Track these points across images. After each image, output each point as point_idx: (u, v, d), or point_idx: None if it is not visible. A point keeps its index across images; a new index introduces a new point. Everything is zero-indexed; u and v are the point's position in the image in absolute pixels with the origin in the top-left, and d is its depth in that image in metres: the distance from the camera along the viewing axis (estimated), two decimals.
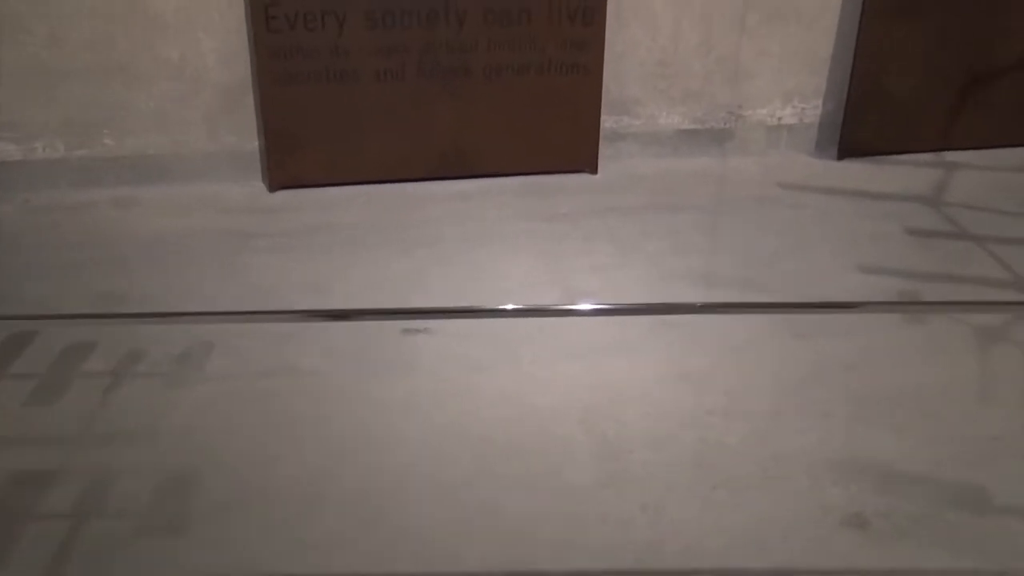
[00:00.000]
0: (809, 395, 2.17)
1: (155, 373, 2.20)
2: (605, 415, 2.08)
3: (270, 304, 2.51)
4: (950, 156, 3.79)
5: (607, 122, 3.62)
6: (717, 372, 2.26)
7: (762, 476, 1.90)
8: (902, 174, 3.61)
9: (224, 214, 3.13)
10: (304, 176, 3.33)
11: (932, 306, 2.34)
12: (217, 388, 2.16)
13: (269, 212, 3.17)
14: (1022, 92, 3.76)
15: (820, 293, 2.65)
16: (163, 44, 3.16)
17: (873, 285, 2.71)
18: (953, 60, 3.68)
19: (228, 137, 3.32)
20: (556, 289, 2.66)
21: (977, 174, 3.63)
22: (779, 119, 3.77)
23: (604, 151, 3.65)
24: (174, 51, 3.18)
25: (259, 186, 3.35)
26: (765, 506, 1.82)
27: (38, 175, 3.25)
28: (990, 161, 3.71)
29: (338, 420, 2.07)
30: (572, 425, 2.05)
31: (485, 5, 3.21)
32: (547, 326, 2.45)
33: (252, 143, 3.34)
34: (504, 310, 2.40)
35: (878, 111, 3.69)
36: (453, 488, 1.85)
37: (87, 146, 3.26)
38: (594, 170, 3.55)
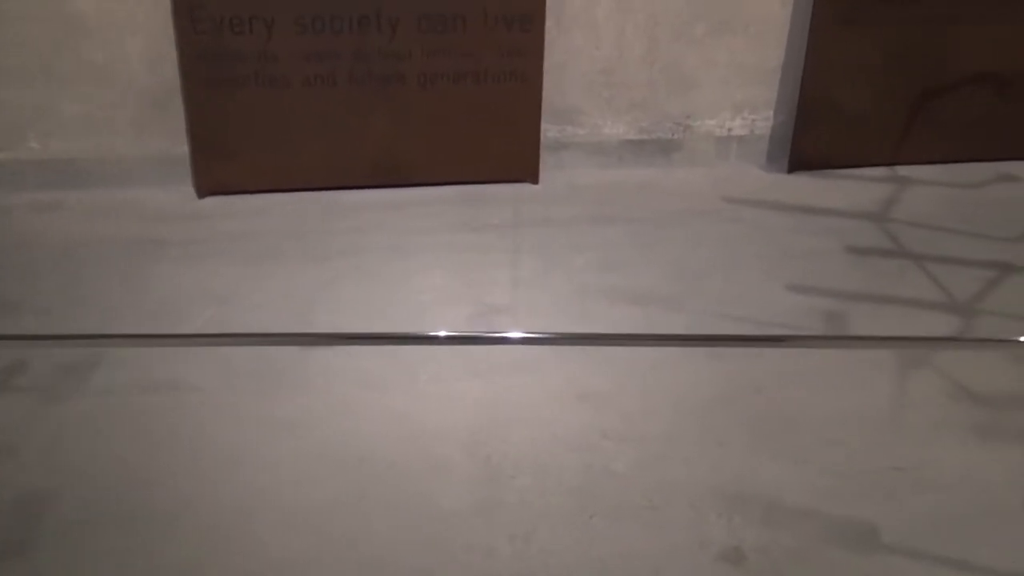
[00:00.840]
0: (710, 420, 2.09)
1: (33, 387, 2.12)
2: (493, 437, 2.00)
3: (168, 317, 2.44)
4: (904, 171, 3.70)
5: (549, 131, 3.54)
6: (619, 394, 2.17)
7: (644, 505, 1.82)
8: (851, 189, 3.53)
9: (145, 221, 3.06)
10: (234, 182, 3.26)
11: (848, 340, 2.23)
12: (96, 404, 2.08)
13: (193, 219, 3.10)
14: (976, 106, 3.68)
15: (744, 312, 2.57)
16: (87, 46, 3.10)
17: (800, 305, 2.63)
18: (906, 73, 3.59)
19: (157, 141, 3.26)
20: (469, 305, 2.58)
21: (928, 190, 3.54)
22: (729, 130, 3.69)
23: (547, 161, 3.58)
24: (98, 53, 3.11)
25: (189, 192, 3.28)
26: (642, 537, 1.74)
27: None
28: (943, 177, 3.62)
29: (216, 440, 1.99)
30: (456, 447, 1.97)
31: (418, 11, 3.14)
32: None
33: (182, 148, 3.26)
34: (396, 336, 2.30)
35: (829, 124, 3.61)
36: (317, 513, 1.77)
37: (10, 149, 3.19)
38: (535, 180, 3.47)
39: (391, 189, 3.36)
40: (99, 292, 2.57)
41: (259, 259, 2.82)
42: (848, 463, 1.95)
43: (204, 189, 3.25)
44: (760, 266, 2.86)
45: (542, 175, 3.55)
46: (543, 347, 2.34)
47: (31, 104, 3.14)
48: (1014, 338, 1.15)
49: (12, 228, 2.98)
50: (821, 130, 3.61)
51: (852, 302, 2.65)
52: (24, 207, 3.13)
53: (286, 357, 2.29)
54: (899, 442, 2.04)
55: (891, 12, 3.48)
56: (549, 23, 3.33)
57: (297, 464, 1.90)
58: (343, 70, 3.17)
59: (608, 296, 2.65)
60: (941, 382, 2.27)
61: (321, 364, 2.27)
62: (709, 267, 2.85)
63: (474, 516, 1.78)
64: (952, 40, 3.56)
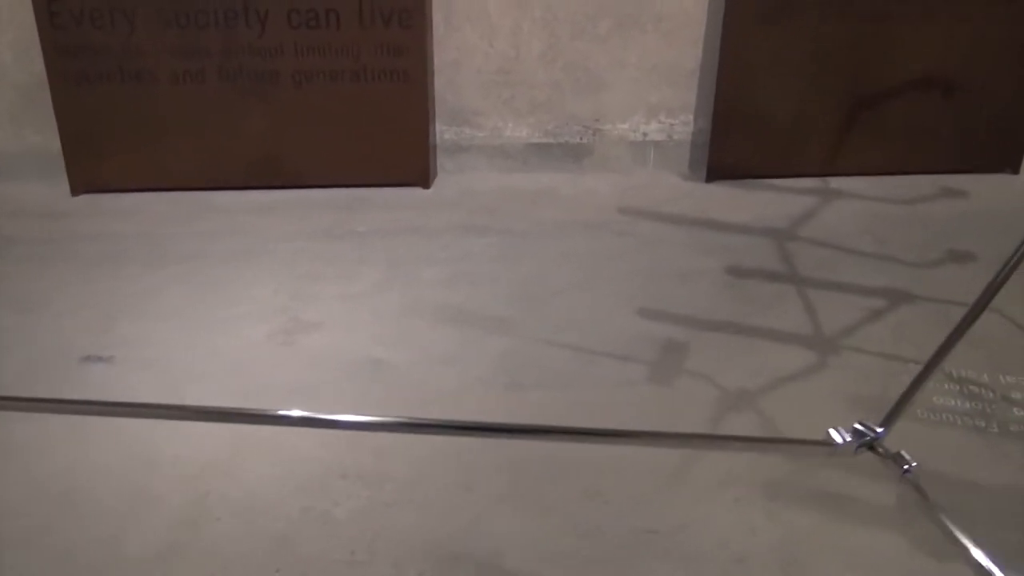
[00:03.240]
0: (467, 459, 1.89)
1: None
2: (224, 472, 1.85)
3: None
4: (836, 183, 3.40)
5: (446, 133, 3.36)
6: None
7: (344, 560, 1.64)
8: (769, 201, 3.25)
9: (6, 217, 3.01)
10: (107, 180, 3.18)
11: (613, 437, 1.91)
12: None
13: (53, 217, 3.03)
14: (920, 113, 3.34)
15: (574, 339, 2.35)
16: None
17: (642, 333, 2.39)
18: (839, 75, 3.29)
19: (33, 136, 3.20)
20: (280, 320, 2.43)
21: (853, 205, 3.24)
22: (644, 135, 3.44)
23: (445, 164, 3.41)
24: None
25: (66, 188, 3.22)
26: None
27: None
28: (877, 190, 3.31)
29: None
30: (176, 482, 1.82)
31: (288, 6, 3.00)
32: (232, 360, 2.23)
33: (57, 143, 3.20)
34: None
35: (751, 130, 3.33)
36: None
37: None
38: (425, 184, 3.30)
39: (273, 191, 3.24)
40: None
41: (96, 262, 2.73)
42: (596, 522, 1.74)
43: (78, 186, 3.18)
44: (622, 286, 2.63)
45: (440, 179, 3.38)
46: (327, 370, 2.18)
47: None
48: (826, 440, 0.96)
49: None
50: (741, 137, 3.33)
51: (702, 331, 2.40)
52: None
53: (60, 370, 2.19)
54: (669, 502, 1.81)
55: (818, 8, 3.18)
56: (437, 18, 3.15)
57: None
58: (212, 67, 3.05)
59: (436, 315, 2.46)
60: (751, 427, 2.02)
61: (92, 381, 2.15)
62: (565, 286, 2.64)
63: (154, 562, 1.63)
64: (892, 39, 3.24)
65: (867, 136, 3.38)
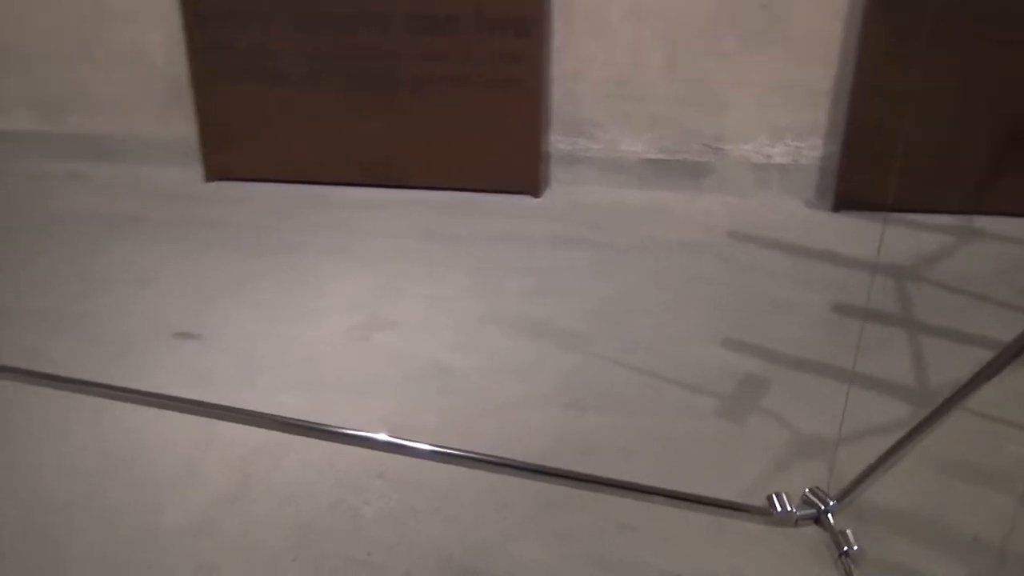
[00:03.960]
0: (500, 482, 1.85)
1: None
2: (272, 457, 1.90)
3: (77, 286, 2.56)
4: (982, 222, 3.10)
5: (561, 143, 3.33)
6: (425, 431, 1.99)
7: (359, 559, 1.64)
8: (899, 236, 3.00)
9: (141, 198, 3.24)
10: (237, 169, 3.37)
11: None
12: None
13: (181, 201, 3.23)
14: None
15: (647, 363, 2.26)
16: (118, 34, 3.33)
17: (723, 363, 2.27)
18: (987, 106, 3.00)
19: (177, 126, 3.43)
20: (360, 316, 2.47)
21: (998, 247, 2.94)
22: (768, 157, 3.27)
23: (559, 174, 3.38)
24: (127, 41, 3.34)
25: (200, 175, 3.43)
26: None
27: (13, 145, 3.54)
28: None
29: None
30: (226, 462, 1.89)
31: (409, 12, 3.06)
32: (307, 351, 2.30)
33: (196, 133, 3.42)
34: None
35: (885, 159, 3.07)
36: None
37: (54, 123, 3.51)
38: (535, 193, 3.28)
39: (385, 189, 3.32)
40: (42, 261, 2.76)
41: (209, 245, 2.89)
42: (626, 558, 1.65)
43: (211, 174, 3.39)
44: (711, 313, 2.51)
45: (552, 189, 3.35)
46: (398, 373, 2.20)
47: (71, 83, 3.43)
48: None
49: (32, 193, 3.27)
50: (873, 165, 3.09)
51: (787, 368, 2.24)
52: (55, 176, 3.43)
53: (150, 345, 2.33)
54: (697, 550, 1.69)
55: (968, 30, 2.91)
56: (557, 26, 3.13)
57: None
58: (337, 68, 3.17)
59: (513, 325, 2.44)
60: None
61: (174, 357, 2.28)
62: (651, 306, 2.54)
63: (187, 535, 1.70)
64: None
65: (1021, 173, 3.06)
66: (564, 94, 3.24)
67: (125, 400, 1.51)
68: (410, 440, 1.15)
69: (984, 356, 2.29)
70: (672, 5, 3.07)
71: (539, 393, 2.14)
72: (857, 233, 3.05)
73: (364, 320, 2.45)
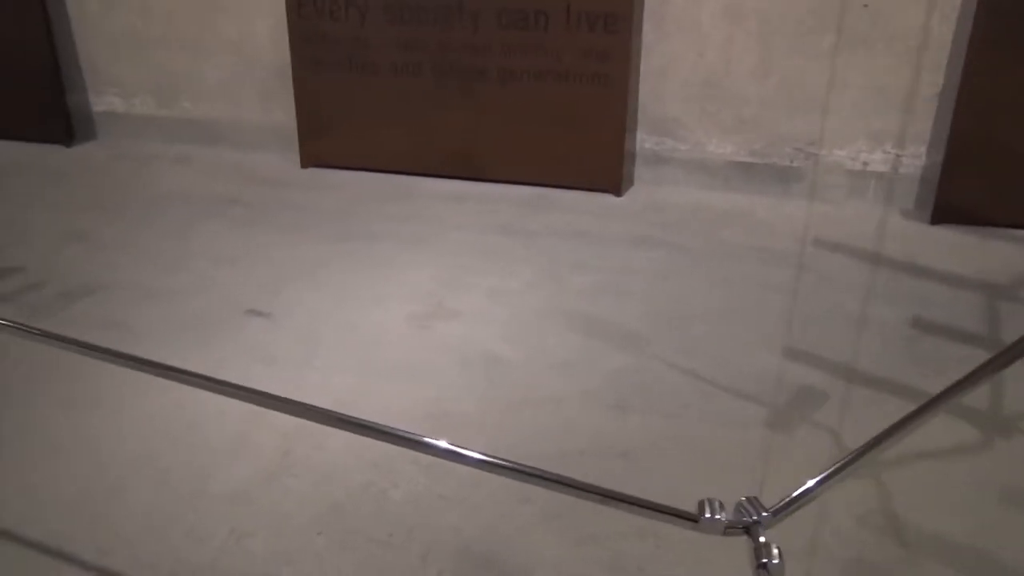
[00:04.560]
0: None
1: None
2: (314, 435, 1.97)
3: (167, 262, 2.72)
4: None
5: (647, 142, 3.29)
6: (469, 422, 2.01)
7: (380, 540, 1.68)
8: (999, 252, 2.82)
9: (240, 182, 3.41)
10: (329, 157, 3.50)
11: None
12: None
13: (278, 186, 3.38)
14: None
15: (704, 368, 2.21)
16: (225, 22, 3.51)
17: (781, 373, 2.19)
18: None
19: (278, 113, 3.59)
20: (423, 305, 2.52)
21: None
22: (864, 164, 3.13)
23: (643, 174, 3.34)
24: (234, 30, 3.51)
25: (297, 162, 3.58)
26: (346, 568, 1.62)
27: (134, 127, 3.80)
28: None
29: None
30: (273, 437, 1.97)
31: (499, 6, 3.09)
32: (369, 335, 2.36)
33: (295, 121, 3.57)
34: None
35: (991, 171, 2.90)
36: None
37: (169, 107, 3.73)
38: (617, 192, 3.25)
39: (469, 182, 3.37)
40: (141, 238, 2.95)
41: (294, 228, 3.01)
42: (644, 565, 1.63)
43: (306, 161, 3.53)
44: (778, 322, 2.43)
45: (635, 188, 3.32)
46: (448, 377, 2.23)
47: (184, 70, 3.64)
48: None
49: (142, 173, 3.50)
50: (978, 177, 2.92)
51: (851, 383, 2.15)
52: (166, 158, 3.65)
53: (224, 318, 2.45)
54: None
55: None
56: (647, 25, 3.09)
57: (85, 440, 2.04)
58: (427, 61, 3.24)
59: (571, 322, 2.43)
60: None
61: (244, 334, 2.39)
62: (714, 311, 2.48)
63: (226, 503, 1.78)
64: None
65: None
66: (651, 93, 3.20)
67: (176, 380, 1.61)
68: (429, 437, 1.17)
69: None
70: (767, 4, 2.97)
71: (584, 390, 2.13)
72: (954, 247, 2.88)
73: (428, 309, 2.50)
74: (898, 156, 3.09)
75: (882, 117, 3.04)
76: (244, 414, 2.05)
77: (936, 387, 2.11)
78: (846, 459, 1.05)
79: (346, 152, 3.46)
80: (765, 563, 0.80)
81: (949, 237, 2.95)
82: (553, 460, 1.89)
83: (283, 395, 2.05)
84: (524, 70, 3.16)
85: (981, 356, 2.26)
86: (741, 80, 3.10)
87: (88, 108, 3.80)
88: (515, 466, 1.10)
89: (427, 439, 1.17)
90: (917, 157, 3.07)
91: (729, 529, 0.85)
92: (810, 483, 1.03)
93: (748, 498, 0.90)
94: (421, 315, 2.47)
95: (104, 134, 3.83)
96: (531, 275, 2.71)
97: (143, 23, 3.58)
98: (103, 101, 3.78)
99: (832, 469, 1.03)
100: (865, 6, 2.90)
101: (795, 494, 1.01)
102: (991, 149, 2.88)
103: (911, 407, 2.06)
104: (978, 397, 2.10)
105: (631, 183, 3.33)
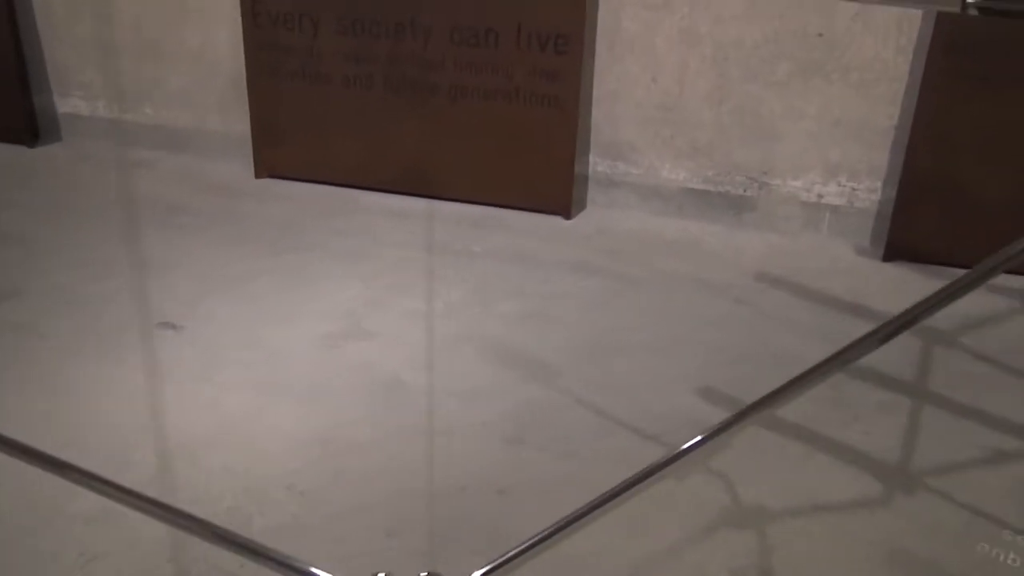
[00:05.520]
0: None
1: None
2: (191, 452, 1.93)
3: (98, 269, 2.70)
4: None
5: (600, 166, 3.23)
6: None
7: (230, 570, 1.63)
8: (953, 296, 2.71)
9: (194, 189, 3.39)
10: (284, 168, 3.46)
11: None
12: None
13: (228, 196, 3.35)
14: None
15: (612, 405, 2.13)
16: (187, 30, 3.50)
17: (692, 413, 2.11)
18: None
19: (237, 123, 3.57)
20: (342, 323, 2.47)
21: None
22: (820, 196, 3.04)
23: (597, 198, 3.27)
24: (195, 38, 3.50)
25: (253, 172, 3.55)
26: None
27: (98, 130, 3.79)
28: None
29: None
30: (151, 452, 1.93)
31: (451, 22, 3.05)
32: (275, 353, 2.32)
33: None
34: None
35: (949, 208, 2.81)
36: None
37: (133, 112, 3.73)
38: (566, 215, 3.19)
39: (418, 198, 3.32)
40: (82, 242, 2.93)
41: (231, 240, 2.97)
42: None
43: (261, 171, 3.50)
44: (700, 359, 2.35)
45: (587, 212, 3.26)
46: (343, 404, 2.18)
47: (148, 76, 3.63)
48: None
49: (100, 178, 3.49)
50: (935, 214, 2.82)
51: (760, 427, 2.06)
52: (128, 162, 3.64)
53: (131, 331, 2.42)
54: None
55: None
56: (600, 46, 3.04)
57: None
58: (379, 74, 3.20)
59: (487, 349, 2.37)
60: None
61: (148, 346, 2.36)
62: (639, 345, 2.41)
63: (85, 522, 1.74)
64: None
65: None
66: (605, 116, 3.14)
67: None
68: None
69: (991, 440, 2.04)
70: (723, 30, 2.90)
71: (483, 421, 2.07)
72: (902, 287, 2.78)
73: (342, 328, 2.45)
74: (854, 190, 3.00)
75: (837, 149, 2.95)
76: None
77: (850, 434, 2.04)
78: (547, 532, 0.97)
79: (300, 163, 3.43)
80: None
81: (899, 276, 2.86)
82: (431, 496, 1.83)
83: (173, 411, 2.02)
84: (475, 87, 3.11)
85: (902, 405, 2.18)
86: (695, 106, 3.03)
87: (54, 110, 3.80)
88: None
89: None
90: (873, 191, 2.98)
91: None
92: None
93: (429, 572, 0.83)
94: (334, 334, 2.42)
95: (69, 136, 3.83)
96: (458, 298, 2.65)
97: (108, 29, 3.58)
98: (68, 104, 3.79)
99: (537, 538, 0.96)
100: (820, 35, 2.82)
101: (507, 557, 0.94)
102: (945, 186, 2.78)
103: (818, 456, 1.99)
104: (890, 449, 2.01)
105: (584, 206, 3.27)
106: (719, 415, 2.10)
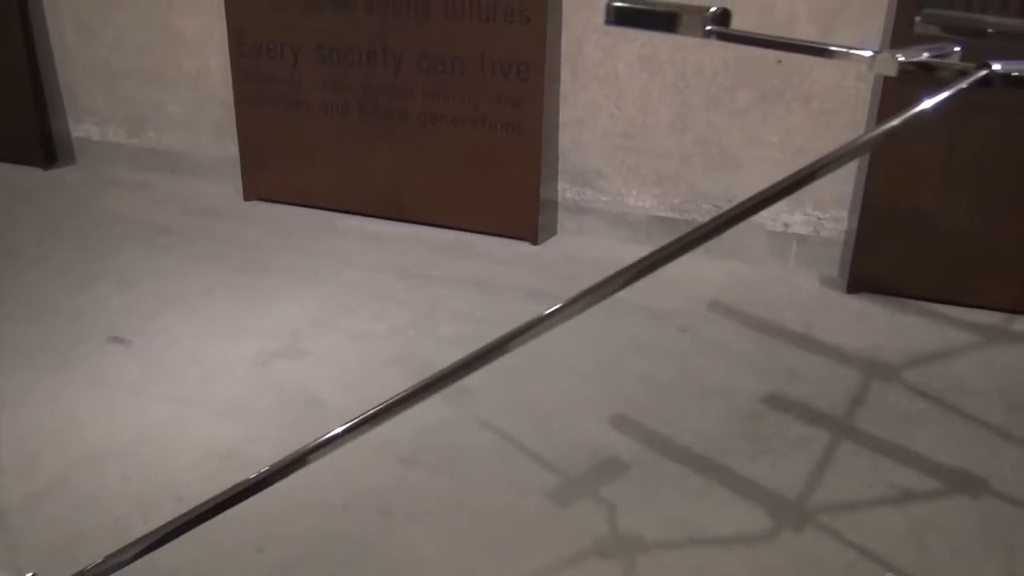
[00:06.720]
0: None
1: None
2: (94, 463, 2.01)
3: (72, 284, 2.85)
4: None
5: (568, 192, 3.24)
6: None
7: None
8: (909, 328, 2.64)
9: (181, 211, 3.53)
10: (270, 191, 3.58)
11: None
12: None
13: (215, 217, 3.47)
14: None
15: (518, 430, 2.14)
16: (184, 58, 3.66)
17: (597, 442, 2.10)
18: None
19: (230, 146, 3.70)
20: (281, 341, 2.54)
21: (1019, 355, 2.49)
22: (786, 226, 2.99)
23: (567, 223, 3.29)
24: (192, 65, 3.66)
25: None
26: None
27: (108, 154, 3.99)
28: None
29: None
30: (54, 460, 2.02)
31: (420, 51, 3.12)
32: (209, 370, 2.39)
33: None
34: None
35: (914, 240, 2.73)
36: None
37: (138, 136, 3.91)
38: (533, 240, 3.20)
39: (390, 222, 3.38)
40: (66, 258, 3.08)
41: (203, 258, 3.09)
42: None
43: (249, 194, 3.62)
44: (623, 388, 2.33)
45: (556, 238, 3.27)
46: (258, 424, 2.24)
47: (150, 101, 3.81)
48: None
49: (100, 199, 3.67)
50: (899, 246, 2.75)
51: (662, 458, 2.04)
52: (127, 184, 3.81)
53: (85, 346, 2.53)
54: None
55: (1016, 99, 2.50)
56: (564, 73, 3.06)
57: None
58: (354, 101, 3.29)
59: (415, 371, 2.38)
60: None
61: (99, 362, 2.47)
62: (564, 373, 2.40)
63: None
64: None
65: None
66: (571, 142, 3.15)
67: None
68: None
69: (904, 479, 1.97)
70: (682, 57, 2.89)
71: (384, 440, 2.08)
72: (859, 319, 2.70)
73: (278, 347, 2.52)
74: (820, 219, 2.93)
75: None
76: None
77: (756, 468, 2.00)
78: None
79: (284, 187, 3.54)
80: None
81: (859, 308, 2.78)
82: (310, 511, 1.87)
83: (96, 421, 2.10)
84: (444, 114, 3.17)
85: (821, 441, 2.13)
86: (659, 133, 3.02)
87: (69, 134, 4.02)
88: None
89: None
90: (840, 220, 2.91)
91: None
92: None
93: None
94: (270, 352, 2.49)
95: (82, 159, 4.04)
96: (404, 320, 2.69)
97: (115, 56, 3.77)
98: (81, 128, 4.00)
99: None
100: (779, 62, 2.79)
101: None
102: (905, 218, 2.70)
103: (716, 489, 1.95)
104: (793, 485, 1.96)
105: (554, 232, 3.28)
106: (622, 443, 2.10)
